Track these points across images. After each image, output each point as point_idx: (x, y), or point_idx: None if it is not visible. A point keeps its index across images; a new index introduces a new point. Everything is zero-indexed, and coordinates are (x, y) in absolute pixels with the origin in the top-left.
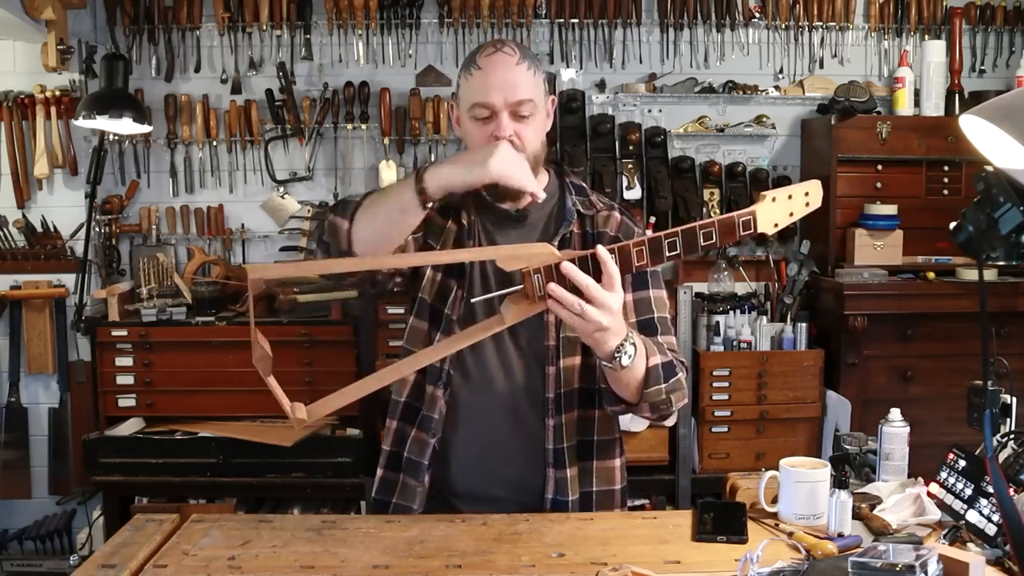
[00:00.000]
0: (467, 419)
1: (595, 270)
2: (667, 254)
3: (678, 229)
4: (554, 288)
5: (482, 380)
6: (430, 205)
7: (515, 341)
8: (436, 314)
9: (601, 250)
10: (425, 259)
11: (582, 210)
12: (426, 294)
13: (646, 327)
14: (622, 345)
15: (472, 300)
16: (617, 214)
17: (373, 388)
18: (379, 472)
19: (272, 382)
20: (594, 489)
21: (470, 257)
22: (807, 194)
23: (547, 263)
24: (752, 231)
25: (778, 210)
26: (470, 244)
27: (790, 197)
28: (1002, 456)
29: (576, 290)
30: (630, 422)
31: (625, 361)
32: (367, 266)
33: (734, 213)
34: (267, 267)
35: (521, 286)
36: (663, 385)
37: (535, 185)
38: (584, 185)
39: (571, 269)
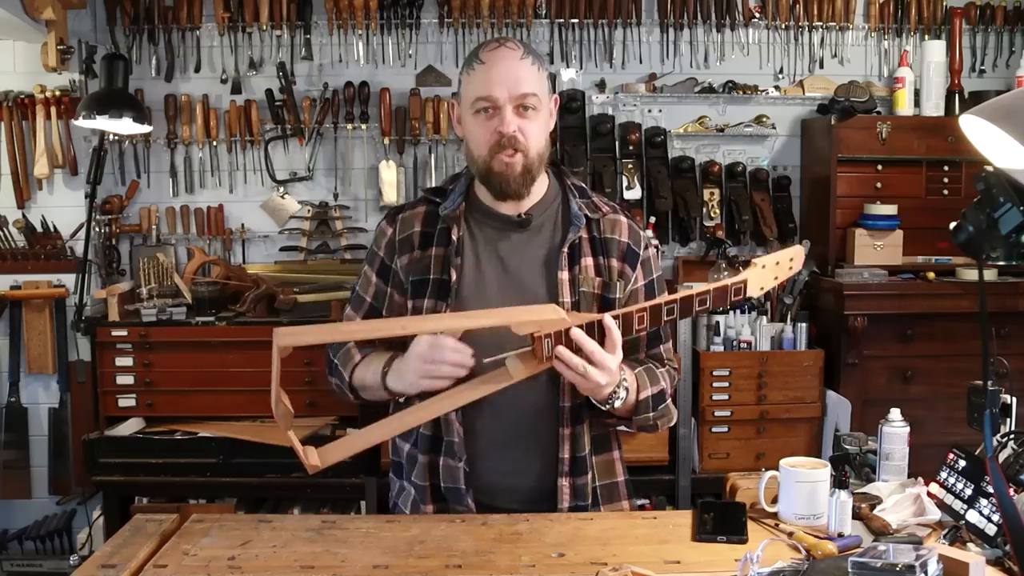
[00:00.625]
0: (482, 437)
1: (599, 333)
2: (665, 318)
3: (677, 296)
4: (562, 352)
5: (493, 397)
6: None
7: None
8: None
9: (608, 320)
10: (444, 324)
11: (589, 214)
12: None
13: (654, 337)
14: (615, 391)
15: (485, 362)
16: (623, 218)
17: (396, 432)
18: (427, 507)
19: (291, 435)
20: (597, 484)
21: (490, 323)
22: (791, 259)
23: (558, 328)
24: (742, 296)
25: (766, 275)
26: (458, 262)
27: (777, 263)
28: (1002, 456)
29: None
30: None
31: (617, 404)
32: (394, 335)
33: (727, 281)
34: (298, 332)
35: (529, 347)
36: (651, 414)
37: (456, 365)
38: (584, 186)
39: (580, 336)
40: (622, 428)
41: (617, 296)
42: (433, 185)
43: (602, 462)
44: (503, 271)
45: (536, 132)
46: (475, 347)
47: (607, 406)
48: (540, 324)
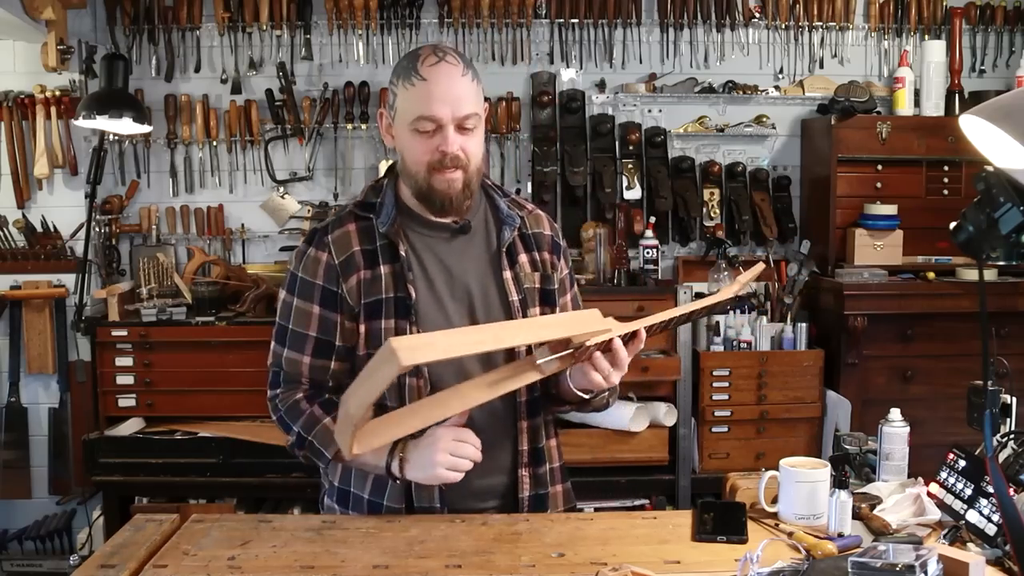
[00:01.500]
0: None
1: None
2: (671, 327)
3: (708, 302)
4: (599, 358)
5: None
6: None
7: (488, 359)
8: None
9: (643, 333)
10: (529, 337)
11: (518, 212)
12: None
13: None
14: None
15: (539, 362)
16: (541, 212)
17: (438, 418)
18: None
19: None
20: (547, 468)
21: (559, 334)
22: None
23: (605, 338)
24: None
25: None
26: (411, 277)
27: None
28: (1002, 456)
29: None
30: (629, 422)
31: (606, 394)
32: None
33: (722, 298)
34: (420, 347)
35: (568, 352)
36: (606, 393)
37: (476, 454)
38: (500, 185)
39: (619, 346)
40: (628, 429)
41: (554, 287)
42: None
43: (550, 447)
44: (450, 278)
45: (476, 148)
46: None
47: (590, 395)
48: (590, 335)
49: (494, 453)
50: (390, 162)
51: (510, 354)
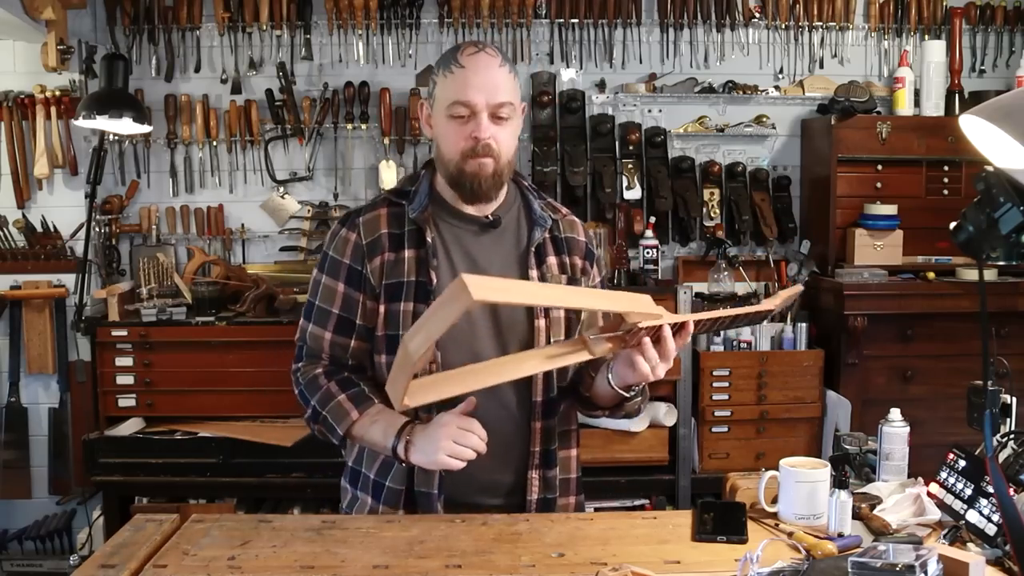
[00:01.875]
0: None
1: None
2: (714, 328)
3: (750, 310)
4: (648, 346)
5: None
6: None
7: (503, 347)
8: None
9: (691, 326)
10: (567, 301)
11: (551, 215)
12: (401, 328)
13: None
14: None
15: (590, 336)
16: (577, 220)
17: (493, 382)
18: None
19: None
20: (560, 478)
21: (602, 305)
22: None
23: (657, 323)
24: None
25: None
26: (435, 264)
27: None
28: (1002, 456)
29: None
30: (630, 422)
31: (636, 390)
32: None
33: (763, 307)
34: (495, 287)
35: (619, 333)
36: (639, 398)
37: (480, 444)
38: (537, 188)
39: (668, 335)
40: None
41: None
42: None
43: (563, 458)
44: (476, 270)
45: (508, 139)
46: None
47: (631, 391)
48: (643, 316)
49: (505, 450)
50: (390, 162)
51: (523, 346)
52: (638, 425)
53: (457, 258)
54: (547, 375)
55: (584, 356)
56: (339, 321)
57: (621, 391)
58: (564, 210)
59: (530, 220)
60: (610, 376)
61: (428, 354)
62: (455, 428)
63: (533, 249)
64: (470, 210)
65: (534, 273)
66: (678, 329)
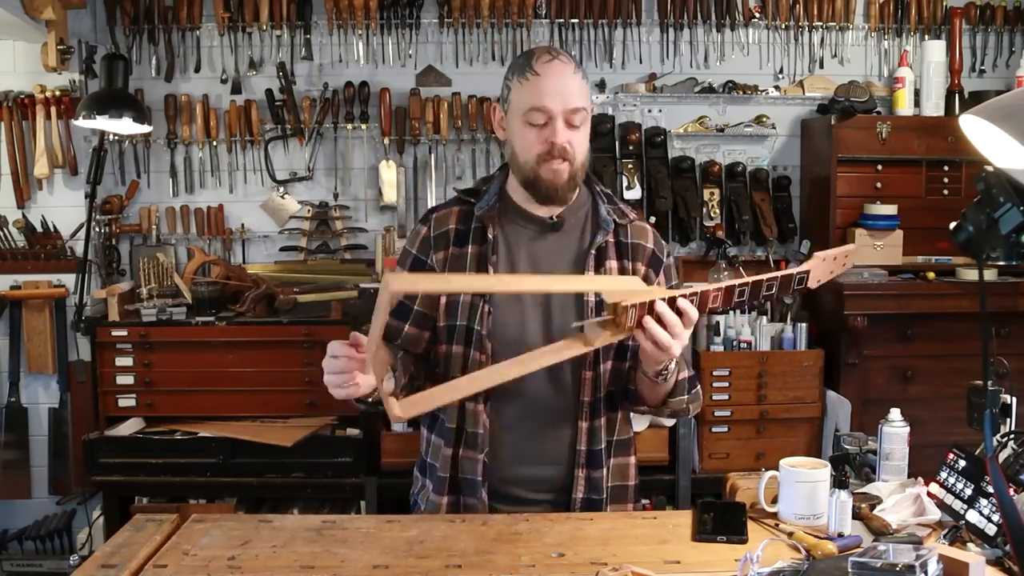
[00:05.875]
0: (506, 428)
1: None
2: (735, 300)
3: (749, 280)
4: (651, 324)
5: (518, 389)
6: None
7: (556, 341)
8: (469, 333)
9: (683, 302)
10: (526, 285)
11: (617, 219)
12: (459, 319)
13: None
14: (667, 365)
15: (573, 326)
16: (648, 226)
17: (469, 391)
18: (441, 498)
19: (384, 385)
20: (611, 484)
21: (574, 288)
22: (847, 256)
23: (643, 299)
24: (804, 286)
25: (824, 268)
26: (494, 260)
27: (835, 259)
28: (1002, 456)
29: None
30: (633, 421)
31: (668, 377)
32: (492, 290)
33: (793, 270)
34: (412, 278)
35: (608, 316)
36: (686, 396)
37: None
38: (611, 193)
39: (664, 309)
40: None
41: None
42: (466, 186)
43: (620, 464)
44: (535, 269)
45: (582, 143)
46: (504, 328)
47: (659, 378)
48: (626, 294)
49: (550, 446)
50: (390, 162)
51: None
52: (638, 425)
53: (517, 255)
54: (594, 377)
55: (579, 348)
56: (399, 306)
57: (650, 377)
58: (633, 215)
59: (595, 223)
60: (642, 369)
61: (383, 353)
62: (328, 358)
63: (593, 252)
64: (538, 210)
65: (591, 275)
66: (681, 311)
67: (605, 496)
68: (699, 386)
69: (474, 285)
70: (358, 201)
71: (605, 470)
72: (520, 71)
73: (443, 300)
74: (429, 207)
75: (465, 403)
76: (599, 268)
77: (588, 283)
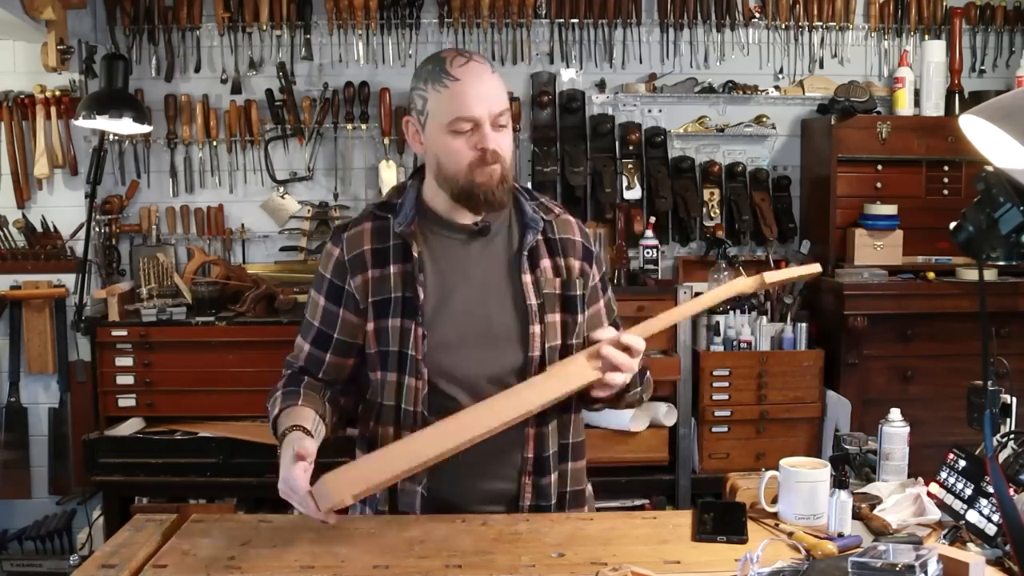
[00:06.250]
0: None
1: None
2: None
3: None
4: (616, 355)
5: (460, 407)
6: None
7: (498, 355)
8: (402, 359)
9: (628, 337)
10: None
11: (543, 216)
12: (392, 344)
13: (614, 326)
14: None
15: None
16: (571, 218)
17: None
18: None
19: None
20: (568, 490)
21: (546, 392)
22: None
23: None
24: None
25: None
26: (421, 279)
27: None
28: (1002, 456)
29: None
30: (629, 422)
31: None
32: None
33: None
34: (349, 484)
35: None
36: (639, 388)
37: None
38: (531, 189)
39: (632, 341)
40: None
41: (577, 293)
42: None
43: (576, 470)
44: (467, 280)
45: (509, 145)
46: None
47: (625, 392)
48: (581, 370)
49: (502, 459)
50: (390, 162)
51: (518, 355)
52: (638, 425)
53: (446, 268)
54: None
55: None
56: (318, 334)
57: (604, 397)
58: (558, 209)
59: (522, 224)
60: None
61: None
62: (285, 487)
63: (525, 253)
64: (461, 218)
65: (527, 278)
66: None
67: (554, 502)
68: (648, 372)
69: (425, 451)
70: (358, 201)
71: (554, 476)
72: (434, 78)
73: (371, 326)
74: (338, 224)
75: (403, 424)
76: (533, 269)
77: (552, 383)
